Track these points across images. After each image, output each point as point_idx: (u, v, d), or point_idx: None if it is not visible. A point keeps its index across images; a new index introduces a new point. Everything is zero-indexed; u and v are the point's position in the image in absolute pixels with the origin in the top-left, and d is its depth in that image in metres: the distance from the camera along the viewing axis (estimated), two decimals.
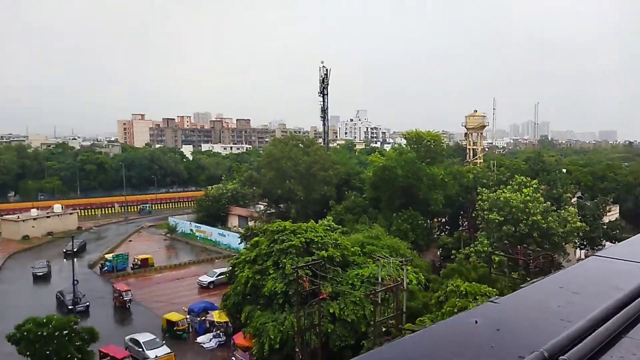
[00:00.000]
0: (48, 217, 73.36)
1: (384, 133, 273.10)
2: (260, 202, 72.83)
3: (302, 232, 32.97)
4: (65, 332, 27.32)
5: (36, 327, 27.08)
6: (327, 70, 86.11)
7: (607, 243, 54.99)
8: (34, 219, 71.05)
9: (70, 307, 38.62)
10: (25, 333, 26.98)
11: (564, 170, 72.65)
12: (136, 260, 54.85)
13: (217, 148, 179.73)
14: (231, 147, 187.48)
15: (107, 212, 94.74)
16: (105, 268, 53.22)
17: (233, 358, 31.48)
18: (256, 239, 35.08)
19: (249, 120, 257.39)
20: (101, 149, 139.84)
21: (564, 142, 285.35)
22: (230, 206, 76.90)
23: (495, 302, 2.51)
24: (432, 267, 44.12)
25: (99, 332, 29.51)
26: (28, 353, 27.31)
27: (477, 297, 25.30)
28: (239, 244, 55.80)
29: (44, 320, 27.55)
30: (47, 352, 26.80)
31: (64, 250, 58.03)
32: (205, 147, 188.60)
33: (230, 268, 36.12)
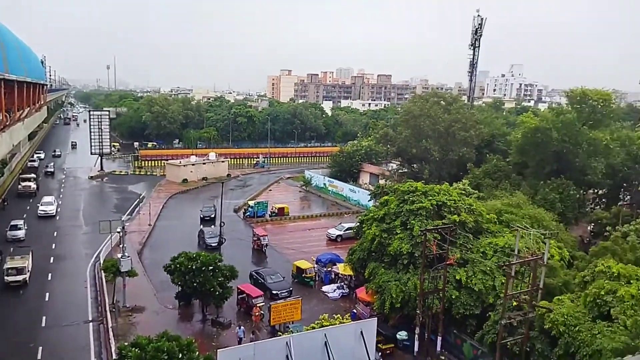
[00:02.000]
0: (204, 163, 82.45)
1: (540, 90, 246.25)
2: (393, 161, 72.00)
3: (434, 195, 31.71)
4: (210, 267, 30.75)
5: (187, 260, 30.88)
6: (482, 19, 79.31)
7: None
8: (193, 164, 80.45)
9: (212, 244, 43.99)
10: (178, 265, 31.01)
11: None
12: (274, 208, 59.09)
13: (356, 104, 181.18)
14: (370, 104, 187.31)
15: (253, 162, 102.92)
16: (248, 213, 58.34)
17: (354, 310, 32.38)
18: (386, 197, 34.77)
19: (390, 75, 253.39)
20: (251, 103, 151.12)
21: None
22: (363, 163, 77.64)
23: None
24: (580, 243, 39.29)
25: (238, 271, 32.55)
26: (179, 283, 31.48)
27: (632, 281, 21.79)
28: (369, 201, 56.41)
29: (194, 256, 31.28)
30: (195, 284, 30.58)
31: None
32: (344, 103, 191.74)
33: (358, 224, 36.56)
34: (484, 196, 40.99)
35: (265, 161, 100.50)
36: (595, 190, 50.41)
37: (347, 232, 48.11)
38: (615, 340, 19.15)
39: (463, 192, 37.14)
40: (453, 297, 27.34)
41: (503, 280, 25.72)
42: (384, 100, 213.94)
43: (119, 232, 35.24)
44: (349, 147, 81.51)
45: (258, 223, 55.64)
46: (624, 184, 49.30)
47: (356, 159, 77.87)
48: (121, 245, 33.56)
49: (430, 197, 31.33)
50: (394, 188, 38.31)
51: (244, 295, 33.01)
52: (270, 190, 76.12)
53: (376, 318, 24.95)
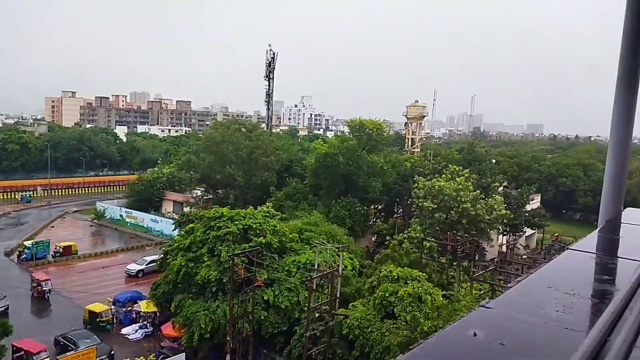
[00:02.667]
0: None
1: (327, 120, 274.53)
2: (198, 188, 70.65)
3: (239, 219, 32.23)
4: None
5: None
6: (274, 53, 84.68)
7: (528, 230, 58.62)
8: None
9: None
10: None
11: (494, 161, 76.27)
12: (58, 247, 51.27)
13: (155, 130, 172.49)
14: (169, 130, 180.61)
15: (29, 195, 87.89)
16: (24, 256, 49.36)
17: (159, 349, 30.25)
18: (191, 225, 33.93)
19: (190, 102, 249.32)
20: (26, 128, 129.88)
21: (494, 133, 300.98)
22: (165, 191, 74.01)
23: (488, 307, 2.17)
24: (367, 252, 44.85)
25: (12, 325, 27.22)
26: None
27: (408, 282, 25.85)
28: (173, 230, 53.92)
29: None
30: None
31: None
32: (141, 128, 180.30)
33: (162, 256, 34.62)
34: (286, 217, 43.41)
35: (31, 194, 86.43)
36: (376, 206, 58.50)
37: (149, 265, 44.90)
38: (399, 335, 22.32)
39: (267, 214, 38.62)
40: (262, 317, 28.01)
41: (306, 295, 27.53)
42: (185, 126, 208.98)
43: None
44: (149, 174, 76.76)
45: (38, 266, 47.45)
46: (397, 199, 58.37)
47: (157, 186, 73.72)
48: None
49: (237, 222, 31.79)
50: (199, 215, 37.59)
51: (22, 352, 27.70)
52: (52, 227, 65.95)
53: (184, 353, 23.86)
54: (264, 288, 29.03)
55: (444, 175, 47.32)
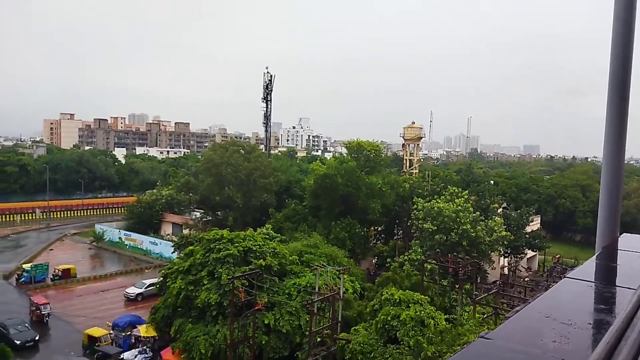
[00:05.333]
0: None
1: (325, 141, 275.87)
2: (197, 209, 70.59)
3: (239, 241, 32.19)
4: None
5: None
6: (271, 76, 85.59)
7: (529, 251, 58.48)
8: None
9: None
10: None
11: (492, 182, 76.64)
12: (57, 270, 50.96)
13: (153, 152, 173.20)
14: (168, 152, 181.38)
15: (27, 217, 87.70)
16: (23, 279, 48.99)
17: None
18: (191, 247, 33.85)
19: (189, 124, 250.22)
20: (24, 150, 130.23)
21: (491, 155, 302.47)
22: (164, 213, 73.90)
23: (487, 339, 2.28)
24: (368, 275, 44.66)
25: (10, 350, 26.90)
26: None
27: (410, 305, 25.74)
28: (172, 253, 53.69)
29: None
30: None
31: None
32: (140, 150, 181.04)
33: (162, 279, 34.40)
34: (285, 239, 43.37)
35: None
36: (376, 227, 58.42)
37: (148, 289, 44.54)
38: None
39: (267, 236, 38.62)
40: (263, 342, 27.75)
41: (307, 319, 27.34)
42: (184, 147, 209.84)
43: None
44: (148, 196, 76.76)
45: (37, 290, 47.05)
46: (397, 221, 58.38)
47: (156, 208, 73.65)
48: None
49: (237, 244, 31.75)
50: (199, 237, 37.57)
51: None
52: (51, 249, 65.58)
53: None
54: (264, 312, 28.84)
55: (442, 197, 47.49)
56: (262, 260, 31.02)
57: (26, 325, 31.36)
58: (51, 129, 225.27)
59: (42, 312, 38.78)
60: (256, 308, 27.72)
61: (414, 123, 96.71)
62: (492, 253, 46.62)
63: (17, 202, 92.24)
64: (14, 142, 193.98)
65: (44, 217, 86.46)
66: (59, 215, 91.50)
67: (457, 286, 30.80)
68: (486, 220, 45.50)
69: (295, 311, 29.02)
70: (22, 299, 44.31)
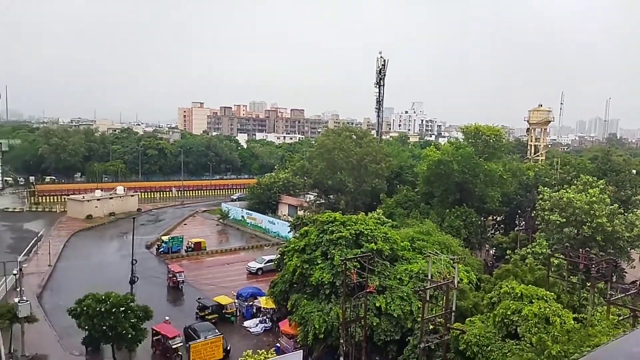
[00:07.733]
0: (111, 198, 77.42)
1: (439, 126, 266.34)
2: (311, 192, 73.25)
3: (351, 224, 32.72)
4: (122, 308, 28.66)
5: (95, 302, 28.50)
6: (384, 61, 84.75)
7: None
8: (98, 199, 75.12)
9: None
10: (85, 308, 28.48)
11: (634, 172, 67.53)
12: (190, 243, 56.89)
13: (271, 137, 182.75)
14: (284, 137, 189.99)
15: (165, 195, 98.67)
16: (161, 249, 55.52)
17: (278, 344, 31.90)
18: (305, 228, 35.19)
19: (303, 110, 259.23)
20: (162, 135, 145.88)
21: (634, 140, 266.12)
22: (281, 195, 77.98)
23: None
24: (485, 266, 42.58)
25: (152, 310, 30.69)
26: (87, 327, 28.88)
27: (533, 301, 24.03)
28: (288, 232, 56.43)
29: (103, 297, 28.97)
30: (104, 327, 28.25)
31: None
32: (259, 136, 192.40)
33: (279, 256, 36.47)
34: (397, 225, 43.03)
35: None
36: (494, 217, 55.23)
37: (267, 264, 47.62)
38: (523, 357, 20.81)
39: (378, 221, 38.71)
40: (374, 324, 28.07)
41: (419, 305, 26.97)
42: (298, 133, 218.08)
43: (14, 274, 31.76)
44: (267, 179, 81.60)
45: (173, 259, 53.12)
46: (519, 211, 54.59)
47: (274, 190, 78.05)
48: (18, 289, 30.24)
49: (349, 227, 32.30)
50: (313, 219, 38.94)
51: (160, 336, 31.11)
52: (185, 224, 73.27)
53: (301, 350, 24.84)
54: (375, 295, 29.10)
55: (574, 187, 43.22)
56: (373, 244, 31.21)
57: (215, 329, 32.70)
58: (184, 116, 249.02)
59: (178, 279, 43.74)
60: (368, 290, 28.10)
61: (541, 106, 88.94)
62: (632, 250, 41.45)
63: (157, 181, 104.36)
64: (154, 128, 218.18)
65: (179, 195, 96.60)
66: (191, 194, 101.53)
67: (588, 284, 27.93)
68: (626, 214, 40.45)
69: (406, 296, 28.82)
70: (161, 266, 50.24)
